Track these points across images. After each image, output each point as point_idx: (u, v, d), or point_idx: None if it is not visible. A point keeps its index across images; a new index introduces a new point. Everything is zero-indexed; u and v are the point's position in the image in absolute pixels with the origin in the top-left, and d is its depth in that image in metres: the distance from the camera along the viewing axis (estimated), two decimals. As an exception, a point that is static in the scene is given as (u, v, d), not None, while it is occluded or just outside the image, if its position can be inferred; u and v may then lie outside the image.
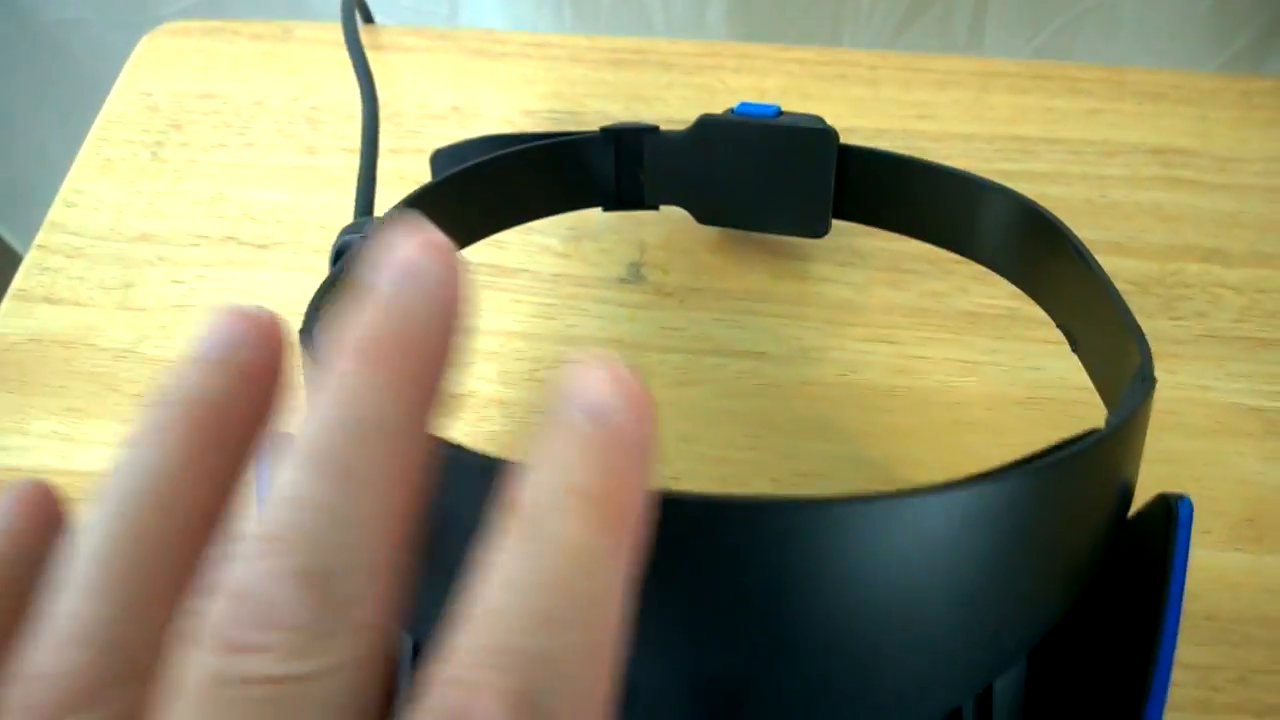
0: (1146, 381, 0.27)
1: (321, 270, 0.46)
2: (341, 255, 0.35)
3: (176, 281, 0.46)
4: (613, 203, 0.44)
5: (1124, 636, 0.27)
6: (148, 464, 0.16)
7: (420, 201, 0.38)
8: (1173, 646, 0.26)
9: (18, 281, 0.46)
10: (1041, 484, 0.23)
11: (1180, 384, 0.41)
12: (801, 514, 0.21)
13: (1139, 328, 0.29)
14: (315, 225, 0.47)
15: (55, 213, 0.48)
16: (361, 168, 0.40)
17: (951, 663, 0.24)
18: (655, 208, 0.44)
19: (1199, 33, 0.68)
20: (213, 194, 0.48)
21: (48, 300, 0.46)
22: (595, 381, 0.16)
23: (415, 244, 0.16)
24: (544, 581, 0.14)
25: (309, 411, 0.16)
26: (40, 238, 0.48)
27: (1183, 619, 0.37)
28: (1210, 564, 0.38)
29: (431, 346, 0.16)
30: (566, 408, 0.16)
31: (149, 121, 0.51)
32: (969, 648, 0.24)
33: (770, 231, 0.45)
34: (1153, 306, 0.43)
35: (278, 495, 0.15)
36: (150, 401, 0.17)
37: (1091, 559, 0.26)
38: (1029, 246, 0.36)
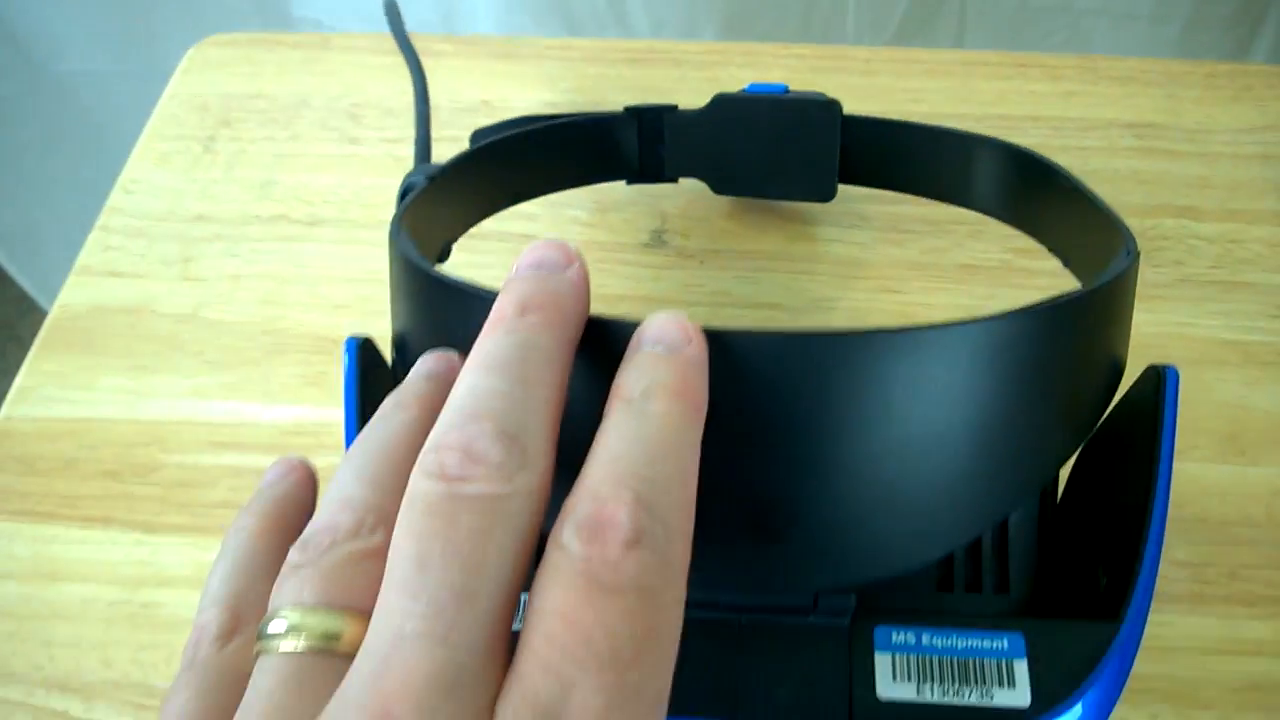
0: (1130, 254, 0.30)
1: (368, 243, 0.49)
2: (407, 194, 0.38)
3: (232, 255, 0.49)
4: (635, 176, 0.47)
5: (1125, 480, 0.30)
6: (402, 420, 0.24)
7: (463, 164, 0.41)
8: (1167, 489, 0.29)
9: (81, 259, 0.49)
10: (1043, 323, 0.26)
11: (1163, 322, 0.45)
12: (841, 343, 0.24)
13: (1123, 222, 0.32)
14: (360, 204, 0.50)
15: (114, 199, 0.52)
16: (418, 125, 0.43)
17: (973, 492, 0.27)
18: (675, 180, 0.48)
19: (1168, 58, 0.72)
20: (263, 180, 0.52)
21: (111, 274, 0.49)
22: (665, 324, 0.23)
23: (545, 244, 0.24)
24: (647, 436, 0.21)
25: (487, 337, 0.22)
26: (101, 220, 0.51)
27: (1175, 522, 0.40)
28: (1199, 474, 0.40)
29: (567, 303, 0.23)
30: (647, 342, 0.23)
31: (200, 119, 0.55)
32: (988, 478, 0.27)
33: (781, 198, 0.48)
34: (1134, 258, 0.47)
35: (469, 389, 0.21)
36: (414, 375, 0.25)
37: (1091, 408, 0.29)
38: (1020, 184, 0.40)
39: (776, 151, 0.46)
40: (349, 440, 0.31)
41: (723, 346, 0.24)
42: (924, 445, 0.26)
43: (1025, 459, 0.27)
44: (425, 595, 0.18)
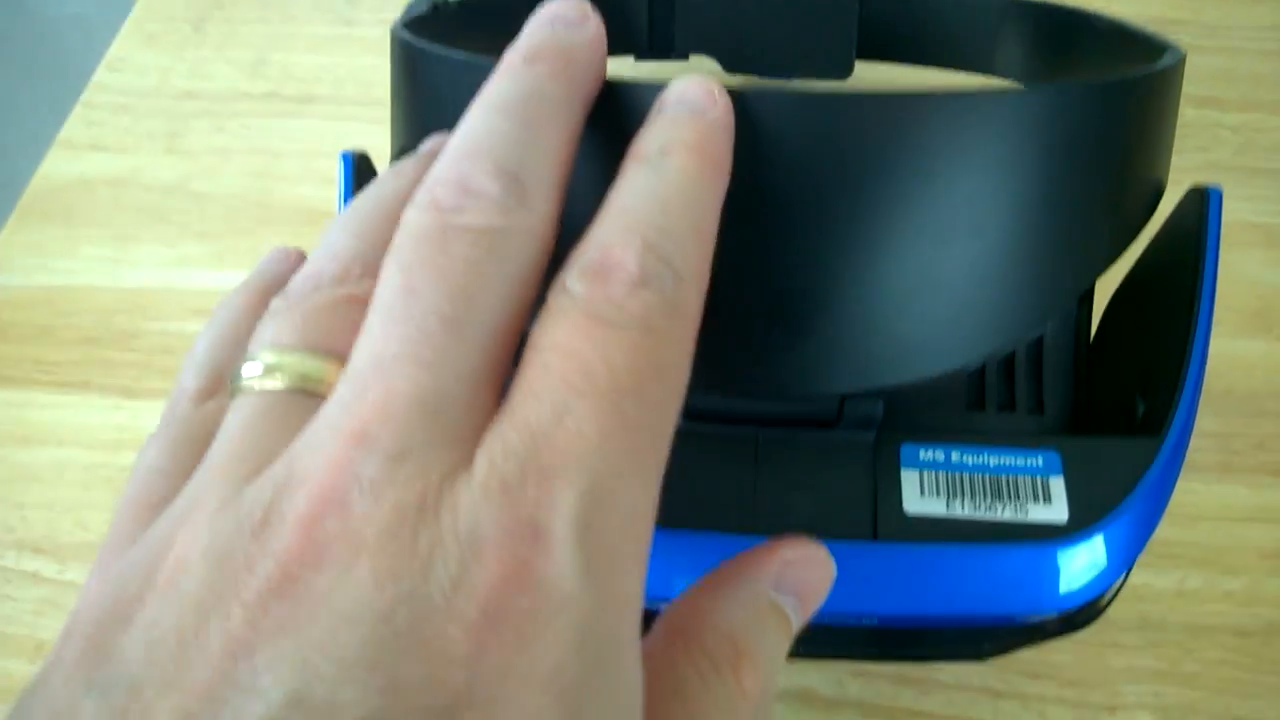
0: (1179, 54, 0.28)
1: (365, 119, 0.47)
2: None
3: (221, 130, 0.47)
4: (645, 51, 0.45)
5: (1167, 302, 0.28)
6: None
7: (470, 8, 0.39)
8: (1212, 303, 0.27)
9: (63, 134, 0.47)
10: (1095, 98, 0.24)
11: (1186, 204, 0.43)
12: (883, 105, 0.22)
13: (1166, 38, 0.30)
14: (356, 83, 0.48)
15: (99, 76, 0.49)
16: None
17: (1012, 287, 0.25)
18: (685, 57, 0.46)
19: None
20: (254, 59, 0.49)
21: (94, 148, 0.46)
22: (689, 86, 0.21)
23: (559, 1, 0.22)
24: (663, 189, 0.19)
25: (491, 83, 0.20)
26: (85, 97, 0.48)
27: (1201, 395, 0.38)
28: (1225, 350, 0.39)
29: (579, 55, 0.21)
30: (671, 103, 0.21)
31: (189, 1, 0.52)
32: (1028, 272, 0.25)
33: (796, 76, 0.46)
34: (1155, 143, 0.45)
35: (468, 129, 0.19)
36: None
37: (1134, 214, 0.27)
38: (1050, 42, 0.38)
39: (792, 26, 0.44)
40: None
41: (751, 108, 0.22)
42: (964, 226, 0.24)
43: (1066, 256, 0.25)
44: (412, 321, 0.17)
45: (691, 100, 0.21)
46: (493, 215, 0.18)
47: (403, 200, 0.20)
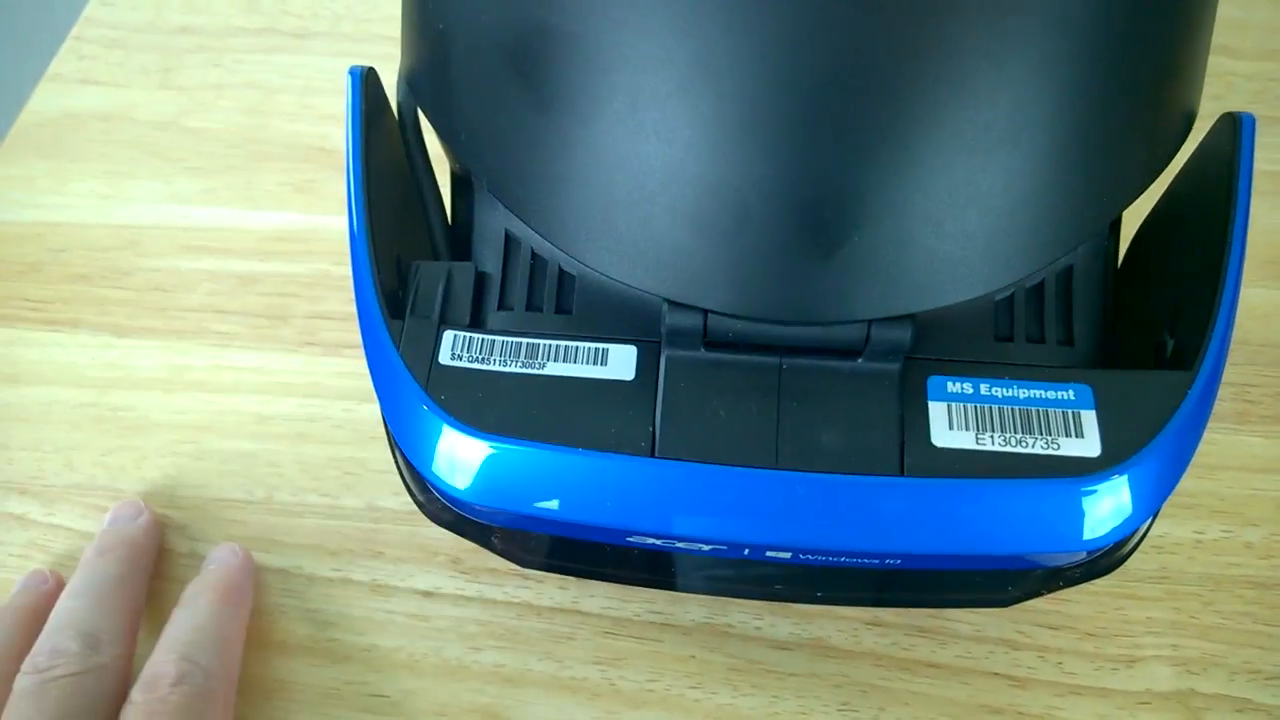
0: None
1: (361, 56, 0.45)
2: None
3: (216, 65, 0.44)
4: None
5: (1199, 233, 0.26)
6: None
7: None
8: (1244, 234, 0.25)
9: (52, 68, 0.45)
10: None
11: (1202, 152, 0.41)
12: None
13: None
14: (354, 19, 0.46)
15: (91, 10, 0.47)
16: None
17: (1044, 204, 0.23)
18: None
19: None
20: (250, -6, 0.47)
21: (85, 82, 0.44)
22: (220, 550, 0.31)
23: (121, 505, 0.32)
24: (191, 618, 0.28)
25: (75, 576, 0.29)
26: (75, 31, 0.46)
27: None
28: (1242, 299, 0.37)
29: (138, 540, 0.31)
30: (208, 561, 0.31)
31: (184, -66, 0.50)
32: (1061, 187, 0.23)
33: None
34: (1170, 91, 0.43)
35: (57, 612, 0.28)
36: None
37: (1165, 140, 0.25)
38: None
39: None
40: (354, 184, 0.27)
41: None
42: (1000, 133, 0.22)
43: (1100, 176, 0.24)
44: None
45: (219, 557, 0.31)
46: (75, 665, 0.26)
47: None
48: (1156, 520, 0.32)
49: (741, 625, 0.29)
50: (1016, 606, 0.29)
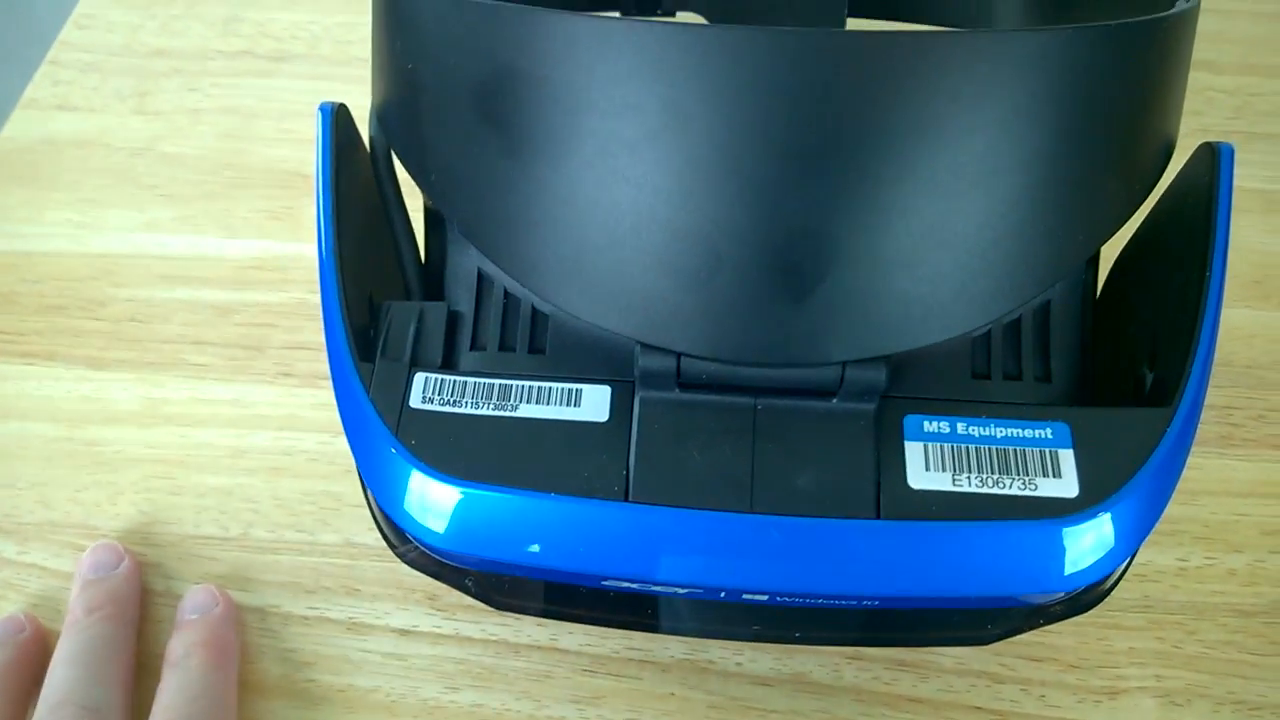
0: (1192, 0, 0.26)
1: (341, 79, 0.44)
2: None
3: (192, 89, 0.44)
4: (631, 7, 0.42)
5: (1177, 264, 0.26)
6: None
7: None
8: (1224, 265, 0.25)
9: (28, 93, 0.44)
10: (1108, 42, 0.22)
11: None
12: (894, 45, 0.20)
13: None
14: (332, 40, 0.45)
15: (66, 34, 0.46)
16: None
17: (1020, 243, 0.23)
18: (672, 14, 0.43)
19: None
20: (228, 15, 0.46)
21: (61, 108, 0.43)
22: (197, 593, 0.30)
23: (100, 548, 0.31)
24: (187, 684, 0.28)
25: (64, 638, 0.29)
26: (51, 55, 0.45)
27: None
28: (1225, 319, 0.36)
29: (123, 591, 0.30)
30: (186, 611, 0.30)
31: (161, -45, 0.49)
32: (1036, 227, 0.23)
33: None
34: (1151, 108, 0.43)
35: (55, 682, 0.27)
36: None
37: (1143, 173, 0.25)
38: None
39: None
40: (325, 223, 0.26)
41: (755, 50, 0.20)
42: (972, 177, 0.21)
43: (1076, 212, 0.23)
44: None
45: (200, 604, 0.30)
46: None
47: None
48: (1140, 548, 0.31)
49: (722, 661, 0.29)
50: (999, 639, 0.29)
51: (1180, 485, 0.33)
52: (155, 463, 0.33)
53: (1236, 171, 0.42)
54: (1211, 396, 0.35)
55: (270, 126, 0.42)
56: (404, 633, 0.30)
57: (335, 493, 0.32)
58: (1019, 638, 0.29)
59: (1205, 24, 0.46)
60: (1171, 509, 0.32)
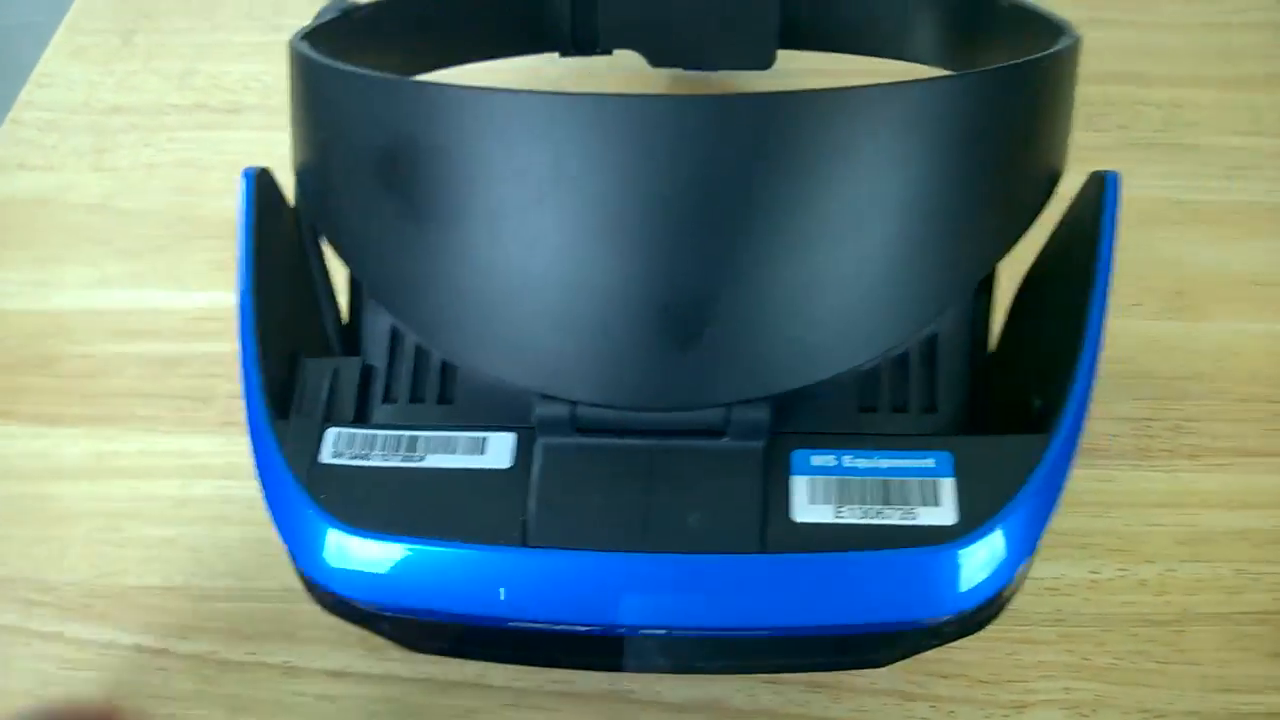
0: (1074, 37, 0.27)
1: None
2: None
3: (147, 145, 0.45)
4: (568, 47, 0.43)
5: (1064, 294, 0.26)
6: None
7: (383, 7, 0.37)
8: (1105, 291, 0.25)
9: (-8, 155, 0.46)
10: (981, 88, 0.23)
11: (1107, 184, 0.41)
12: (766, 104, 0.21)
13: (1065, 21, 0.29)
14: (283, 91, 0.46)
15: (27, 93, 0.47)
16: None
17: (902, 280, 0.24)
18: (609, 52, 0.44)
19: None
20: (183, 70, 0.48)
21: (19, 167, 0.45)
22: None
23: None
24: None
25: None
26: (12, 114, 0.47)
27: (1120, 378, 0.37)
28: (1145, 332, 0.37)
29: None
30: None
31: (119, 11, 0.51)
32: (918, 264, 0.24)
33: (720, 68, 0.44)
34: (1078, 123, 0.43)
35: None
36: None
37: (1026, 202, 0.26)
38: (955, 27, 0.36)
39: (714, 20, 0.42)
40: (244, 284, 0.27)
41: (630, 116, 0.21)
42: (848, 224, 0.23)
43: (956, 249, 0.24)
44: None
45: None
46: None
47: None
48: (1050, 562, 0.32)
49: (642, 690, 0.30)
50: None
51: (1093, 499, 0.34)
52: (104, 515, 0.35)
53: (1162, 184, 0.43)
54: (1129, 409, 0.36)
55: (222, 178, 0.44)
56: (337, 674, 0.31)
57: (273, 539, 0.33)
58: (930, 655, 0.30)
59: (1136, 37, 0.47)
60: (1085, 522, 0.33)
